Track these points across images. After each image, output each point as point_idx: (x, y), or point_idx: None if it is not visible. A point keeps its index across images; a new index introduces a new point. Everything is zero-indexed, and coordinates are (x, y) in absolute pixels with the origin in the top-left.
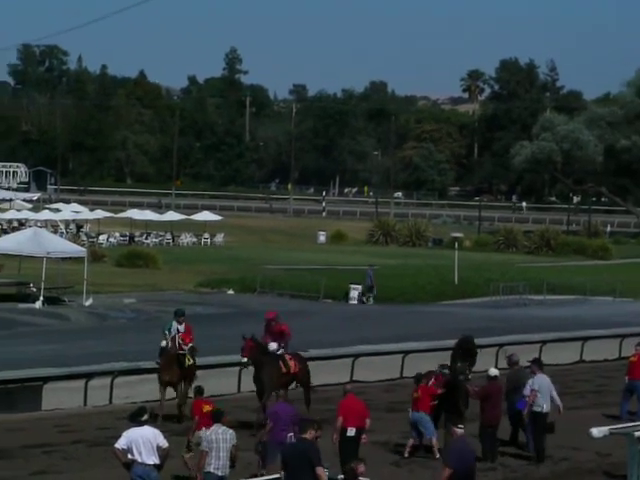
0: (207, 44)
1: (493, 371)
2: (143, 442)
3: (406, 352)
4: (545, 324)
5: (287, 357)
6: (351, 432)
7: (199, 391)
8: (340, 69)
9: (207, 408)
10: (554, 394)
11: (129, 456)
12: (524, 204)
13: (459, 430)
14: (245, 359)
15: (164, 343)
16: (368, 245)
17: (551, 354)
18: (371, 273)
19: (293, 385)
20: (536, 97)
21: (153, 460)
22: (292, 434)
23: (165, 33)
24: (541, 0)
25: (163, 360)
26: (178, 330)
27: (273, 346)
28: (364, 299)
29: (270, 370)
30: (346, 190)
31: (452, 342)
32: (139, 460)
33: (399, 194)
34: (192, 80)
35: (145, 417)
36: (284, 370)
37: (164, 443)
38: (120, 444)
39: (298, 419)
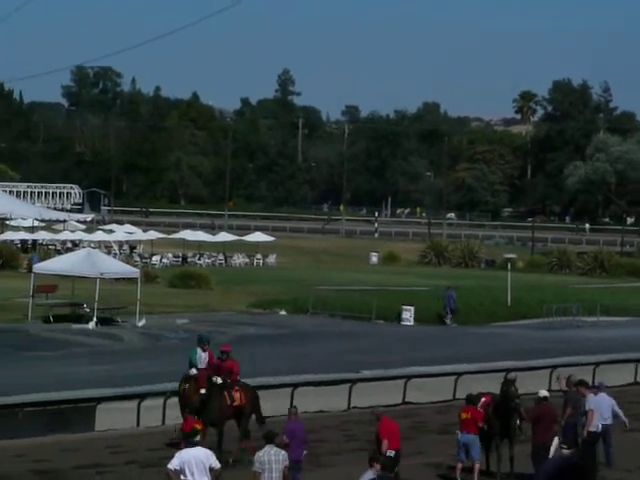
0: (260, 66)
1: (543, 392)
2: (196, 463)
3: (459, 374)
4: (599, 346)
5: (234, 389)
6: (390, 454)
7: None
8: (393, 90)
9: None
10: (617, 410)
11: (182, 477)
12: (587, 226)
13: (564, 450)
14: (204, 390)
15: (194, 371)
16: (420, 266)
17: (605, 376)
18: (453, 295)
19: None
20: (589, 118)
21: None
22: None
23: (218, 55)
24: (593, 21)
25: (195, 387)
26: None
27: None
28: (447, 320)
29: (217, 402)
30: (398, 211)
31: (505, 364)
32: None
33: (452, 215)
34: (245, 102)
35: (198, 438)
36: (228, 402)
37: (217, 464)
38: (173, 465)
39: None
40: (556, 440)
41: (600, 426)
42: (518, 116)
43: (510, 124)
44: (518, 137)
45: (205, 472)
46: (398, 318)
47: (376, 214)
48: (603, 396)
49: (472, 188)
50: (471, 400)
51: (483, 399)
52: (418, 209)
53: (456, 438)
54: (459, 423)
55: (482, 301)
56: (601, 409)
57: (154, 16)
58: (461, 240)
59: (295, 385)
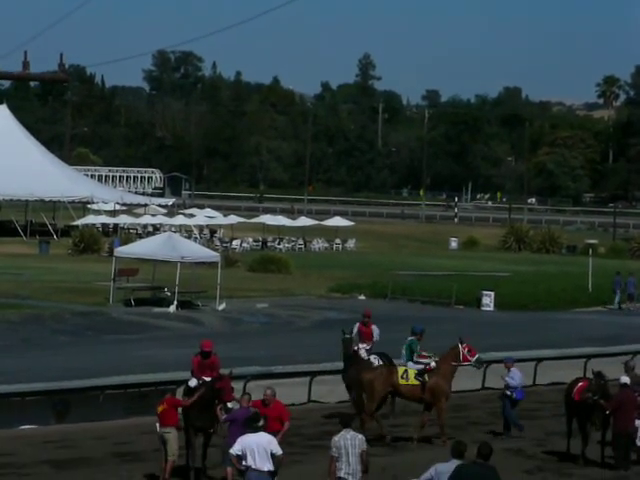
0: (341, 50)
1: (624, 379)
2: (257, 448)
3: (539, 359)
4: None
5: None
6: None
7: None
8: (474, 74)
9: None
10: None
11: (243, 462)
12: None
13: None
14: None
15: (433, 364)
16: (500, 251)
17: None
18: (633, 281)
19: None
20: None
21: (267, 467)
22: None
23: (299, 39)
24: None
25: (439, 379)
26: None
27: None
28: (623, 306)
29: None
30: (479, 196)
31: (585, 350)
32: (253, 466)
33: (533, 200)
34: (325, 86)
35: (261, 423)
36: None
37: (278, 450)
38: (235, 450)
39: None
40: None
41: None
42: (601, 101)
43: (592, 109)
44: (600, 122)
45: (267, 457)
46: (478, 303)
47: (456, 199)
48: None
49: (553, 173)
50: None
51: (580, 384)
52: (499, 194)
53: None
54: None
55: (563, 287)
56: None
57: (235, 1)
58: (542, 225)
59: None
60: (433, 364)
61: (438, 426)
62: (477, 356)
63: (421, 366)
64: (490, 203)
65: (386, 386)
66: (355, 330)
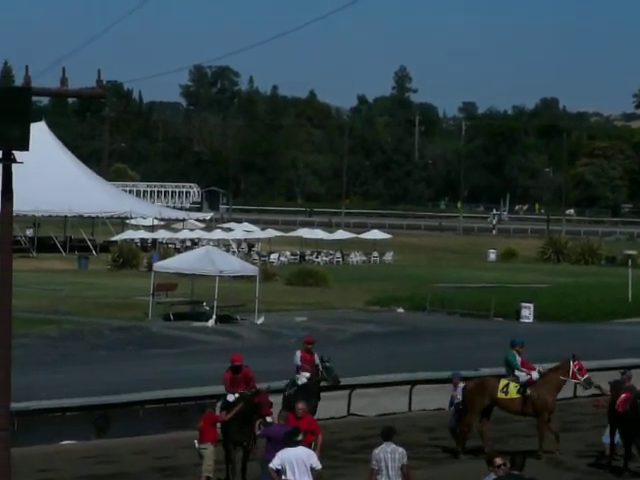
0: (376, 63)
1: None
2: (297, 462)
3: None
4: None
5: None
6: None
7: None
8: (510, 86)
9: None
10: None
11: (283, 477)
12: None
13: None
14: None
15: (536, 375)
16: (539, 263)
17: None
18: None
19: None
20: None
21: None
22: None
23: (335, 53)
24: None
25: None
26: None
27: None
28: None
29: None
30: (517, 207)
31: (626, 361)
32: None
33: (571, 211)
34: (362, 99)
35: (300, 437)
36: None
37: (318, 465)
38: (274, 464)
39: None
40: None
41: None
42: (638, 111)
43: (630, 119)
44: (638, 132)
45: (307, 472)
46: (517, 315)
47: (494, 210)
48: None
49: (591, 184)
50: None
51: (623, 395)
52: (537, 205)
53: None
54: None
55: (603, 298)
56: None
57: (271, 15)
58: (581, 237)
59: (413, 383)
60: (536, 375)
61: (538, 438)
62: (587, 376)
63: (525, 378)
64: (506, 214)
65: (484, 398)
66: (298, 359)
